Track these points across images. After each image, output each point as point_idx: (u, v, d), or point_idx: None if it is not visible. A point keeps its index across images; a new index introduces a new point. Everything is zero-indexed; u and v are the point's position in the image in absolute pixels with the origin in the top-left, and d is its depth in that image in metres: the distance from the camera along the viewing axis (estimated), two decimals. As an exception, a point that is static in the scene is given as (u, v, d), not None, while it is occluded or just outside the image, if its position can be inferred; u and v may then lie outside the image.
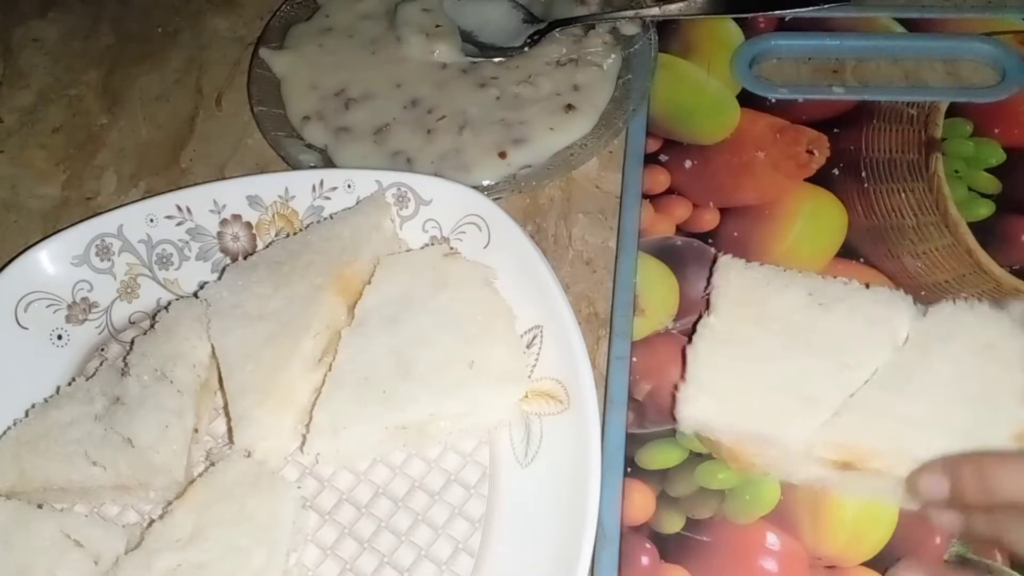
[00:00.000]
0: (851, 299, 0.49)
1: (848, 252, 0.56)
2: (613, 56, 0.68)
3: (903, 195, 0.58)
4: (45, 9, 0.80)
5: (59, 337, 0.56)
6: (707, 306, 0.51)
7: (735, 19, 0.69)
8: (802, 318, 0.49)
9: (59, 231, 0.57)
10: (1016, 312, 0.50)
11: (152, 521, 0.48)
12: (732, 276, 0.51)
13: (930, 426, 0.45)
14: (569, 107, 0.65)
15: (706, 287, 0.53)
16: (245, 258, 0.57)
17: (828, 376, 0.47)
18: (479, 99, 0.67)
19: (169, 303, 0.55)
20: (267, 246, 0.57)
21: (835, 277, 0.51)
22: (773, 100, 0.64)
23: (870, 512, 0.47)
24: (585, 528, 0.44)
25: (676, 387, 0.48)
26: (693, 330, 0.50)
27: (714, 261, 0.53)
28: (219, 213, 0.58)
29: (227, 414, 0.51)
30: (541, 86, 0.67)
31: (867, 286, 0.50)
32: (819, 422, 0.45)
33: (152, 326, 0.54)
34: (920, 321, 0.49)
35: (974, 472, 0.42)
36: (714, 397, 0.47)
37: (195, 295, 0.56)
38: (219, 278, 0.56)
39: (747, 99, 0.64)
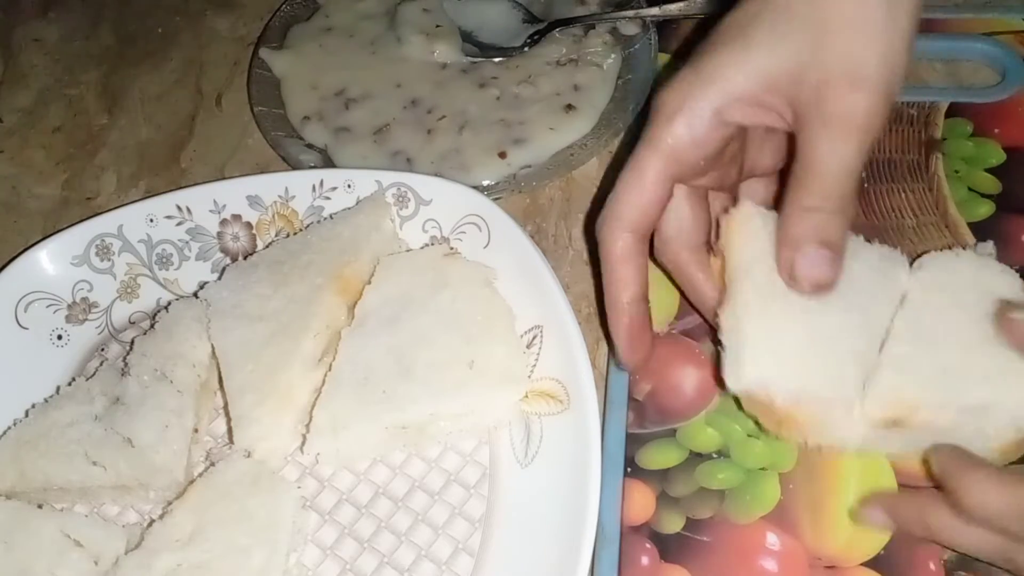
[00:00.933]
0: (858, 253, 0.48)
1: (848, 252, 0.56)
2: (613, 56, 0.68)
3: (903, 195, 0.58)
4: (45, 9, 0.80)
5: (59, 337, 0.56)
6: (722, 261, 0.49)
7: (735, 19, 0.69)
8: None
9: (59, 231, 0.57)
10: (987, 249, 0.52)
11: (152, 521, 0.48)
12: (759, 227, 0.48)
13: (966, 372, 0.46)
14: (569, 107, 0.65)
15: (717, 236, 0.50)
16: (245, 258, 0.57)
17: (860, 330, 0.46)
18: (479, 99, 0.67)
19: (169, 303, 0.55)
20: (267, 246, 0.57)
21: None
22: (773, 100, 0.64)
23: (870, 512, 0.47)
24: (585, 528, 0.44)
25: (719, 350, 0.46)
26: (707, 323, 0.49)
27: (725, 212, 0.50)
28: (219, 213, 0.58)
29: (227, 414, 0.51)
30: (541, 86, 0.67)
31: (867, 240, 0.49)
32: (865, 378, 0.45)
33: (152, 326, 0.54)
34: (917, 273, 0.50)
35: (916, 514, 0.43)
36: (769, 354, 0.45)
37: (195, 295, 0.56)
38: (219, 278, 0.56)
39: (747, 99, 0.64)
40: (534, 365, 0.51)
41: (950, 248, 0.52)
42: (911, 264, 0.51)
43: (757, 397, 0.46)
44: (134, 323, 0.57)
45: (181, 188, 0.59)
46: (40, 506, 0.49)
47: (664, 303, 0.55)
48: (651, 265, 0.56)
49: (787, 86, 0.43)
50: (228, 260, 0.58)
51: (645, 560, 0.46)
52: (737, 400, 0.47)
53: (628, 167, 0.46)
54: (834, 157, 0.42)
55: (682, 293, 0.52)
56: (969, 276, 0.49)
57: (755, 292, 0.46)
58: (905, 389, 0.46)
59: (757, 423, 0.48)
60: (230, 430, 0.50)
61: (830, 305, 0.46)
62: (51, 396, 0.53)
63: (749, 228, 0.48)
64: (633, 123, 0.64)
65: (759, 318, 0.46)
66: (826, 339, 0.45)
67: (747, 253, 0.47)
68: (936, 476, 0.43)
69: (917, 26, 0.43)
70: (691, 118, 0.45)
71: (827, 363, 0.45)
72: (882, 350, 0.47)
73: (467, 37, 0.71)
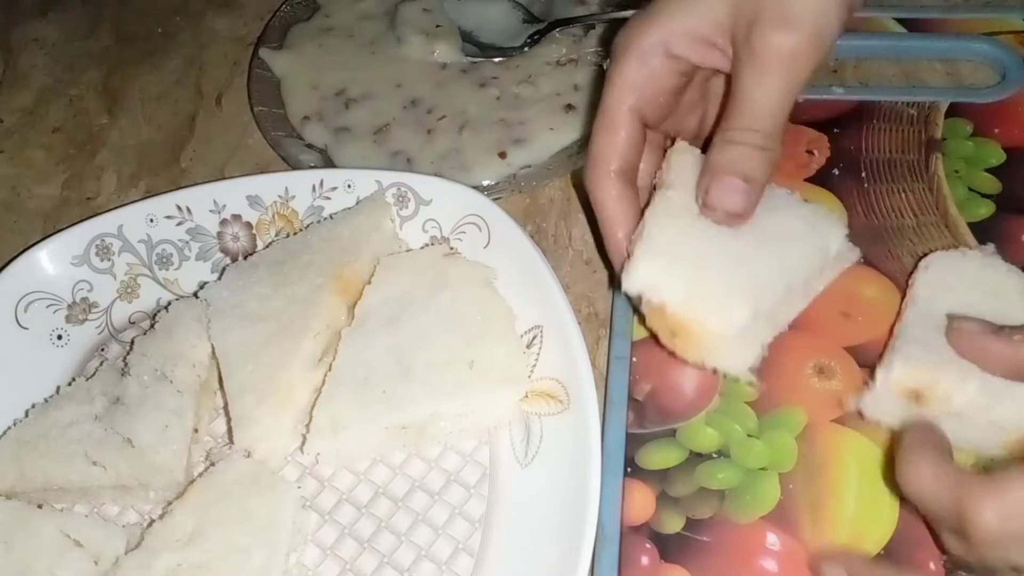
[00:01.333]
0: (793, 208, 0.50)
1: (848, 252, 0.56)
2: (613, 56, 0.68)
3: (903, 195, 0.58)
4: (45, 9, 0.80)
5: (59, 337, 0.56)
6: (656, 186, 0.50)
7: (735, 19, 0.69)
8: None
9: (59, 231, 0.57)
10: (988, 252, 0.53)
11: (152, 521, 0.48)
12: (689, 161, 0.50)
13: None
14: (569, 107, 0.65)
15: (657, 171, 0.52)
16: (245, 258, 0.57)
17: (769, 267, 0.47)
18: (479, 99, 0.67)
19: (169, 303, 0.55)
20: (267, 246, 0.57)
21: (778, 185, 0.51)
22: (773, 100, 0.64)
23: (870, 511, 0.47)
24: (585, 528, 0.44)
25: (628, 252, 0.48)
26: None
27: (671, 143, 0.52)
28: (219, 213, 0.58)
29: (227, 414, 0.51)
30: (541, 86, 0.67)
31: (806, 201, 0.51)
32: (752, 312, 0.46)
33: (152, 326, 0.54)
34: (924, 274, 0.51)
35: None
36: (665, 258, 0.47)
37: (195, 295, 0.56)
38: (219, 278, 0.56)
39: (747, 99, 0.64)
40: (534, 365, 0.51)
41: (955, 248, 0.53)
42: (915, 266, 0.52)
43: (652, 304, 0.48)
44: (134, 323, 0.57)
45: (181, 188, 0.59)
46: (40, 506, 0.49)
47: (664, 303, 0.55)
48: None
49: (727, 23, 0.46)
50: (228, 260, 0.58)
51: (645, 560, 0.46)
52: (642, 316, 0.49)
53: (598, 111, 0.49)
54: (758, 91, 0.45)
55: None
56: (975, 277, 0.50)
57: (666, 206, 0.48)
58: (925, 361, 0.46)
59: (655, 337, 0.49)
60: (230, 430, 0.50)
61: (742, 236, 0.48)
62: (51, 396, 0.53)
63: (680, 159, 0.50)
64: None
65: (664, 228, 0.48)
66: (727, 261, 0.47)
67: (671, 176, 0.50)
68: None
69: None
70: (642, 53, 0.47)
71: (721, 282, 0.47)
72: (895, 327, 0.49)
73: (467, 37, 0.71)
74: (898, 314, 0.51)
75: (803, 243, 0.49)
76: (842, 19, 0.45)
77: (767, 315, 0.47)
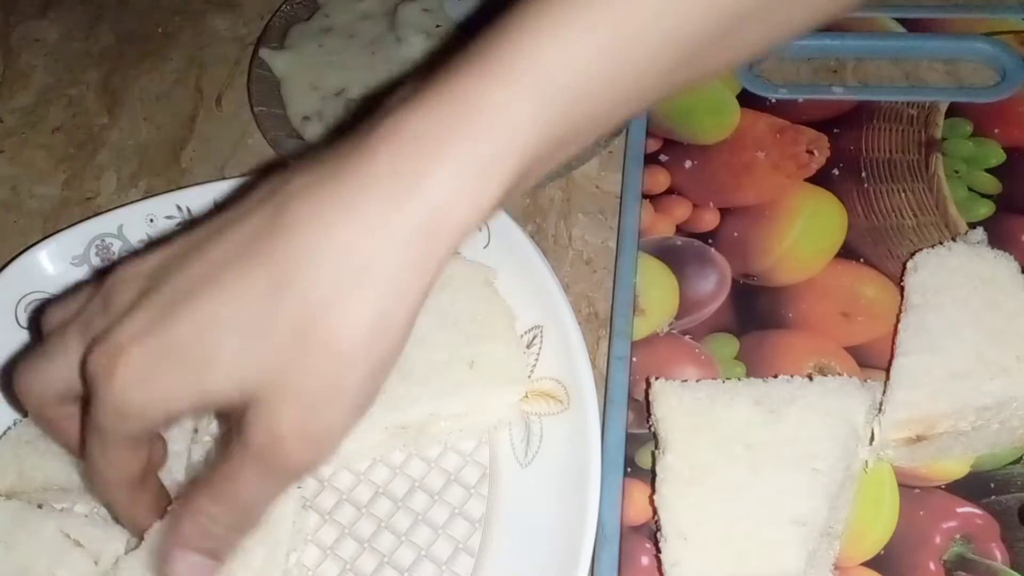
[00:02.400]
0: (799, 398, 0.47)
1: (848, 252, 0.56)
2: (613, 56, 0.68)
3: (903, 195, 0.59)
4: (45, 9, 0.80)
5: (59, 337, 0.56)
6: (656, 442, 0.48)
7: (735, 19, 0.69)
8: (758, 433, 0.46)
9: (59, 231, 0.57)
10: (977, 236, 0.53)
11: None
12: (673, 403, 0.48)
13: (977, 372, 0.46)
14: (569, 107, 0.65)
15: (648, 417, 0.50)
16: None
17: (806, 489, 0.44)
18: (479, 99, 0.67)
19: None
20: None
21: (775, 377, 0.49)
22: (773, 100, 0.64)
23: (870, 512, 0.47)
24: (585, 528, 0.44)
25: (657, 542, 0.45)
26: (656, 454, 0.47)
27: (648, 387, 0.50)
28: (219, 213, 0.58)
29: None
30: (541, 86, 0.67)
31: (810, 378, 0.48)
32: (813, 542, 0.43)
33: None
34: (913, 276, 0.51)
35: None
36: (703, 549, 0.43)
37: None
38: None
39: (747, 99, 0.64)
40: (534, 365, 0.51)
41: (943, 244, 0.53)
42: (902, 269, 0.52)
43: None
44: (134, 323, 0.57)
45: (181, 188, 0.59)
46: (40, 506, 0.49)
47: (664, 303, 0.55)
48: (651, 264, 0.56)
49: (238, 399, 0.36)
50: (228, 260, 0.58)
51: (645, 560, 0.46)
52: None
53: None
54: (250, 488, 0.37)
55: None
56: (965, 270, 0.50)
57: (673, 479, 0.45)
58: (919, 405, 0.46)
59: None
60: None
61: (765, 473, 0.44)
62: (51, 396, 0.53)
63: (665, 405, 0.48)
64: (633, 123, 0.64)
65: (678, 507, 0.44)
66: (763, 512, 0.43)
67: (664, 434, 0.47)
68: None
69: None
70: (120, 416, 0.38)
71: (766, 538, 0.43)
72: (890, 366, 0.48)
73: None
74: (898, 315, 0.51)
75: (828, 437, 0.45)
76: (374, 389, 0.37)
77: (822, 538, 0.44)
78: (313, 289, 0.34)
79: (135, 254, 0.43)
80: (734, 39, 0.38)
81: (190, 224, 0.55)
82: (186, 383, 0.36)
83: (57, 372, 0.40)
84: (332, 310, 0.34)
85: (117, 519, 0.47)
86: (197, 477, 0.49)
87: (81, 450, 0.42)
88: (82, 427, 0.41)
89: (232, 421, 0.38)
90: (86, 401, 0.39)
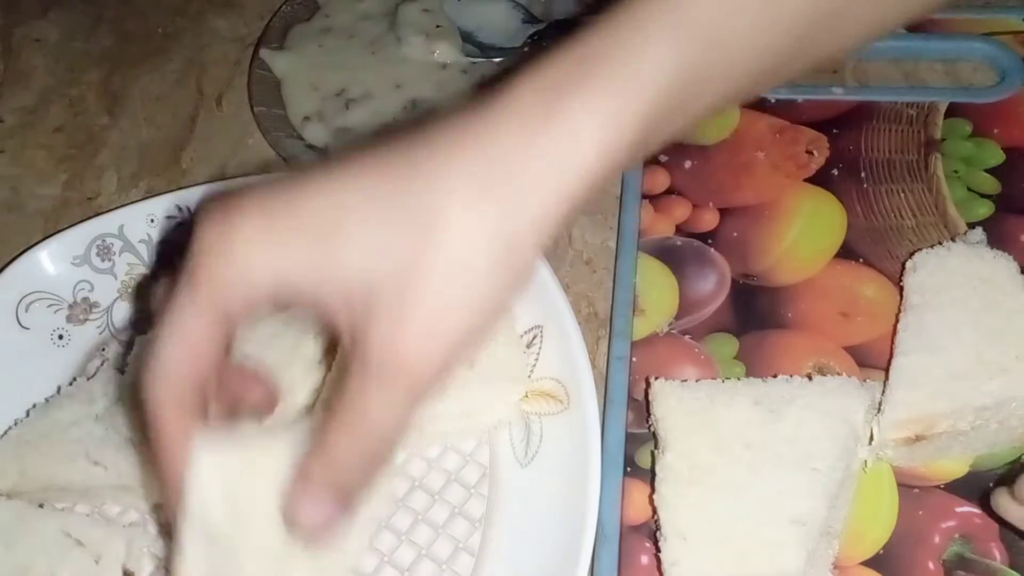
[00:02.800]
0: (798, 398, 0.47)
1: (847, 253, 0.56)
2: (613, 56, 0.68)
3: (902, 195, 0.59)
4: (45, 9, 0.80)
5: (60, 337, 0.56)
6: (655, 442, 0.48)
7: (735, 19, 0.69)
8: (758, 433, 0.46)
9: (60, 231, 0.57)
10: (976, 236, 0.53)
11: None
12: (673, 403, 0.48)
13: (977, 372, 0.46)
14: (569, 107, 0.65)
15: (648, 417, 0.50)
16: None
17: (805, 489, 0.44)
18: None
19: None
20: None
21: (775, 376, 0.49)
22: (773, 100, 0.64)
23: (870, 512, 0.47)
24: (585, 528, 0.44)
25: (657, 542, 0.45)
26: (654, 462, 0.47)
27: (648, 387, 0.50)
28: (220, 213, 0.58)
29: None
30: (541, 86, 0.67)
31: (809, 377, 0.48)
32: (812, 542, 0.43)
33: (153, 326, 0.54)
34: (912, 276, 0.51)
35: None
36: (702, 549, 0.43)
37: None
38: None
39: (747, 99, 0.64)
40: (534, 365, 0.51)
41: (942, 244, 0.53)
42: (902, 269, 0.52)
43: None
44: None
45: (181, 188, 0.59)
46: (41, 506, 0.49)
47: (664, 303, 0.55)
48: (651, 264, 0.56)
49: (354, 299, 0.34)
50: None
51: (645, 560, 0.46)
52: None
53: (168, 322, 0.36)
54: (372, 406, 0.34)
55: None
56: (964, 270, 0.50)
57: (673, 479, 0.45)
58: (918, 405, 0.46)
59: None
60: None
61: (764, 472, 0.44)
62: (52, 396, 0.53)
63: (664, 406, 0.48)
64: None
65: (677, 507, 0.44)
66: (763, 511, 0.43)
67: (663, 434, 0.47)
68: None
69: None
70: (246, 287, 0.35)
71: (766, 538, 0.43)
72: (889, 366, 0.48)
73: (467, 37, 0.71)
74: (897, 315, 0.51)
75: (827, 436, 0.45)
76: (501, 304, 0.35)
77: (822, 538, 0.44)
78: (450, 186, 0.33)
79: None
80: (856, 12, 0.39)
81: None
82: (307, 250, 0.34)
83: (186, 340, 0.36)
84: (465, 207, 0.33)
85: (147, 461, 0.41)
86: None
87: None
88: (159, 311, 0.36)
89: (343, 347, 0.35)
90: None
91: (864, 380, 0.48)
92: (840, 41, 0.40)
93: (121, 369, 0.52)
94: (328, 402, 0.39)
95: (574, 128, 0.34)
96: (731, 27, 0.36)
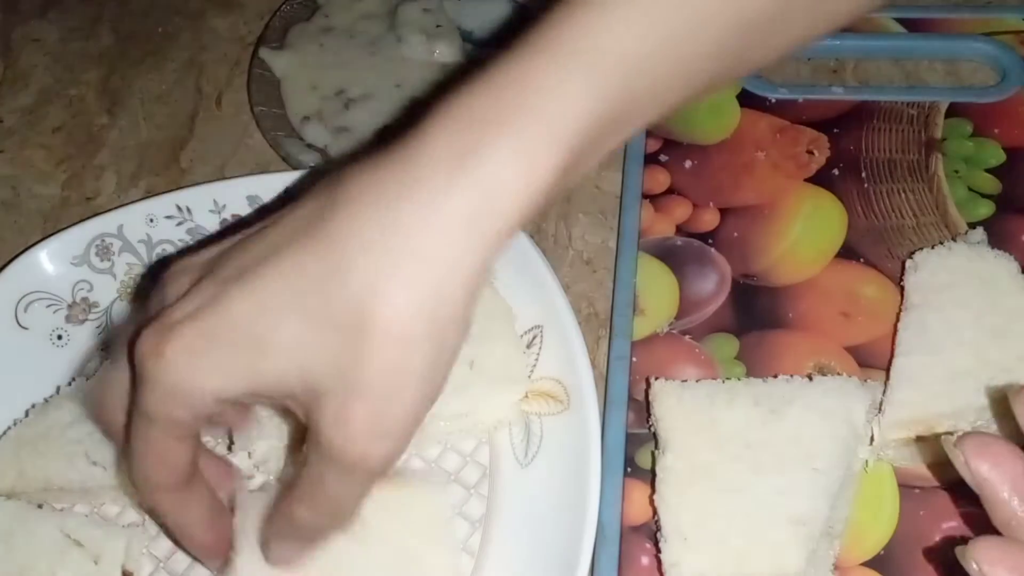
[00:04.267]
0: (799, 398, 0.47)
1: (848, 252, 0.56)
2: (613, 56, 0.68)
3: (903, 195, 0.59)
4: (45, 9, 0.80)
5: (59, 337, 0.56)
6: (656, 442, 0.48)
7: (735, 19, 0.69)
8: (758, 433, 0.46)
9: (59, 231, 0.57)
10: (977, 236, 0.53)
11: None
12: (673, 403, 0.48)
13: (977, 373, 0.46)
14: (569, 107, 0.65)
15: (648, 417, 0.50)
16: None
17: (806, 489, 0.44)
18: (479, 99, 0.67)
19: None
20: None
21: (775, 377, 0.49)
22: (773, 100, 0.64)
23: (870, 512, 0.47)
24: (585, 528, 0.44)
25: (657, 542, 0.45)
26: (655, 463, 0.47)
27: (648, 387, 0.50)
28: (219, 213, 0.58)
29: None
30: (541, 86, 0.67)
31: (809, 378, 0.48)
32: (813, 542, 0.43)
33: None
34: (913, 276, 0.51)
35: None
36: (703, 550, 0.43)
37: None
38: None
39: (747, 99, 0.64)
40: (534, 365, 0.51)
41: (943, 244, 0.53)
42: (902, 269, 0.51)
43: None
44: (134, 323, 0.57)
45: (181, 188, 0.59)
46: (40, 506, 0.49)
47: (664, 303, 0.55)
48: (651, 264, 0.56)
49: (300, 397, 0.36)
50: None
51: (645, 560, 0.46)
52: None
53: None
54: (330, 483, 0.37)
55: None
56: (965, 270, 0.50)
57: (673, 480, 0.45)
58: (919, 405, 0.46)
59: None
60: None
61: (765, 473, 0.44)
62: (51, 396, 0.53)
63: (664, 406, 0.48)
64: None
65: (678, 508, 0.44)
66: (763, 511, 0.43)
67: (663, 434, 0.47)
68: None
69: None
70: (192, 400, 0.36)
71: (767, 538, 0.43)
72: (890, 366, 0.48)
73: (467, 37, 0.71)
74: (898, 315, 0.51)
75: (828, 436, 0.45)
76: (441, 373, 0.36)
77: (822, 538, 0.44)
78: (366, 272, 0.33)
79: (188, 250, 0.42)
80: (786, 23, 0.38)
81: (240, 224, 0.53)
82: (240, 363, 0.35)
83: (117, 375, 0.39)
84: (386, 292, 0.33)
85: (167, 533, 0.45)
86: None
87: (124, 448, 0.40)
88: (126, 424, 0.39)
89: (299, 419, 0.37)
90: (133, 391, 0.37)
91: (865, 380, 0.48)
92: (770, 52, 0.40)
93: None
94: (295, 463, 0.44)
95: (490, 178, 0.34)
96: (650, 54, 0.35)
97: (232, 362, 0.35)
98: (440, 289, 0.34)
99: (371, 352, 0.34)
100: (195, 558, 0.46)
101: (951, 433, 0.43)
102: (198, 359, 0.35)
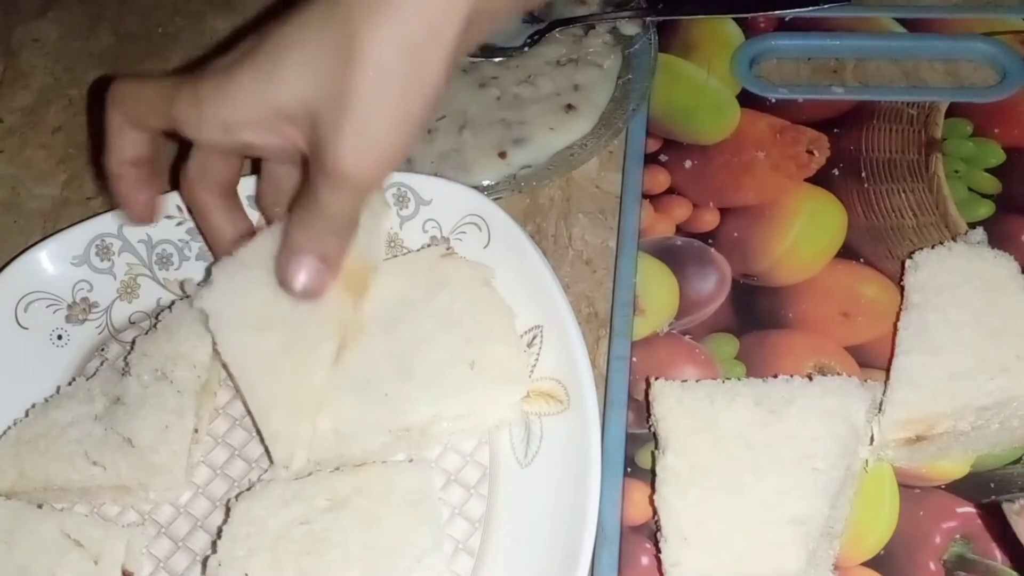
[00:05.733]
0: (799, 398, 0.47)
1: (848, 253, 0.56)
2: (613, 56, 0.68)
3: (903, 195, 0.59)
4: (45, 9, 0.80)
5: (59, 337, 0.56)
6: (656, 442, 0.48)
7: (735, 19, 0.69)
8: (758, 433, 0.46)
9: (59, 231, 0.57)
10: (977, 236, 0.53)
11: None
12: (673, 403, 0.48)
13: (977, 372, 0.46)
14: (569, 107, 0.65)
15: (648, 417, 0.50)
16: None
17: (806, 489, 0.44)
18: (479, 99, 0.67)
19: (172, 302, 0.55)
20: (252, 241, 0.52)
21: (775, 377, 0.49)
22: (773, 100, 0.64)
23: (870, 512, 0.47)
24: (585, 528, 0.44)
25: (657, 542, 0.45)
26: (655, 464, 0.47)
27: (648, 387, 0.50)
28: (219, 213, 0.58)
29: (255, 426, 0.50)
30: (541, 86, 0.67)
31: (809, 378, 0.48)
32: (813, 542, 0.43)
33: (154, 325, 0.54)
34: (913, 276, 0.51)
35: None
36: (703, 550, 0.43)
37: (186, 297, 0.55)
38: (206, 279, 0.54)
39: (747, 99, 0.64)
40: (534, 365, 0.51)
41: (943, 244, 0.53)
42: (902, 269, 0.52)
43: None
44: (134, 323, 0.57)
45: (181, 188, 0.59)
46: (40, 506, 0.49)
47: (664, 303, 0.55)
48: (651, 264, 0.56)
49: (302, 123, 0.44)
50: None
51: (645, 560, 0.46)
52: None
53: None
54: (333, 204, 0.45)
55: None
56: (965, 270, 0.50)
57: (673, 480, 0.45)
58: (919, 405, 0.46)
59: None
60: (266, 449, 0.49)
61: (764, 472, 0.44)
62: (51, 396, 0.53)
63: (664, 406, 0.48)
64: (633, 123, 0.64)
65: (678, 508, 0.44)
66: (763, 511, 0.43)
67: (664, 434, 0.47)
68: None
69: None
70: (203, 128, 0.47)
71: (766, 538, 0.43)
72: (890, 366, 0.48)
73: (467, 37, 0.71)
74: (898, 315, 0.51)
75: (828, 436, 0.45)
76: (420, 107, 0.43)
77: (822, 538, 0.44)
78: (360, 9, 0.41)
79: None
80: None
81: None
82: (257, 92, 0.44)
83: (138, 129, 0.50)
84: (372, 25, 0.40)
85: (207, 238, 0.54)
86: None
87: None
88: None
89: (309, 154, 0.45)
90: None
91: (865, 380, 0.48)
92: None
93: (122, 371, 0.52)
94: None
95: None
96: None
97: (251, 92, 0.44)
98: (412, 33, 0.41)
99: (356, 77, 0.41)
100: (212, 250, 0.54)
101: (1012, 500, 0.43)
102: (224, 93, 0.45)
